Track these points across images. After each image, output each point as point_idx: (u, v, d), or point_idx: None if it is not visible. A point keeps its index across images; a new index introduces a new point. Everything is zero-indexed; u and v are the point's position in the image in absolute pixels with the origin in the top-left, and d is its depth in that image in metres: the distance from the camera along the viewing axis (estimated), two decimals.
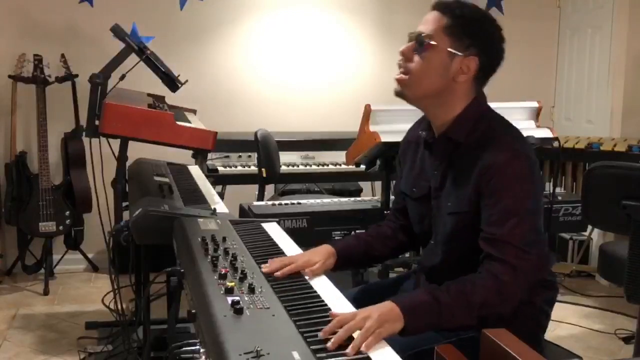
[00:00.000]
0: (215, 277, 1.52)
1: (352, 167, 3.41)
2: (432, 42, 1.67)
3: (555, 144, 3.08)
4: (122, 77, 2.82)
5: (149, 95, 3.24)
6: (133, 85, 3.04)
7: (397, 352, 1.25)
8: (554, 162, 3.70)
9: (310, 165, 4.32)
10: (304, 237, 2.53)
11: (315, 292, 1.53)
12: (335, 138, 4.28)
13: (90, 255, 4.47)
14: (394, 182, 2.40)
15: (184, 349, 1.41)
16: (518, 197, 1.59)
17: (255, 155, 4.02)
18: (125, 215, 2.52)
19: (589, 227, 3.94)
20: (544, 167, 3.83)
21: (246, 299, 1.40)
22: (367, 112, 2.86)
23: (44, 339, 3.38)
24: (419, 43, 1.69)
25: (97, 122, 2.65)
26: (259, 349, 1.13)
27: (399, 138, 2.69)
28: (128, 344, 2.76)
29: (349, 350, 1.24)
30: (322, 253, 1.79)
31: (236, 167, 4.20)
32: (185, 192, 2.65)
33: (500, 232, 1.58)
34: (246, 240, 1.89)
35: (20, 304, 3.86)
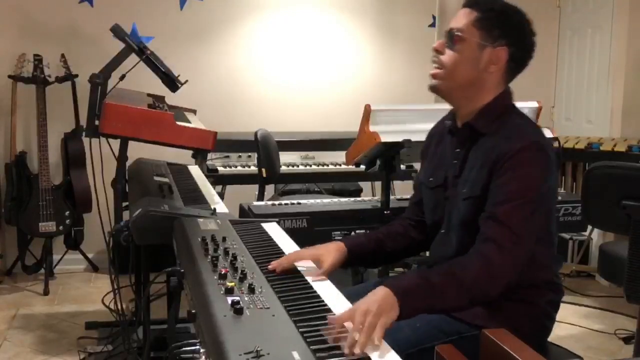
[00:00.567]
0: (215, 277, 1.52)
1: (352, 167, 3.40)
2: (462, 35, 1.72)
3: (555, 144, 3.08)
4: (122, 77, 2.82)
5: (149, 95, 3.24)
6: (133, 85, 3.04)
7: (397, 350, 1.25)
8: None
9: (310, 165, 4.32)
10: (304, 237, 2.52)
11: (315, 292, 1.53)
12: (335, 138, 4.28)
13: (90, 255, 4.47)
14: (414, 175, 2.41)
15: (184, 349, 1.41)
16: (525, 183, 1.62)
17: (255, 155, 4.02)
18: (125, 215, 2.52)
19: (589, 227, 3.94)
20: None
21: (246, 299, 1.40)
22: (367, 112, 2.86)
23: (44, 339, 3.38)
24: (450, 38, 1.75)
25: (97, 122, 2.65)
26: (259, 349, 1.13)
27: (399, 138, 2.68)
28: (128, 344, 2.76)
29: (357, 350, 1.23)
30: (332, 251, 1.81)
31: (236, 167, 4.20)
32: (185, 192, 2.65)
33: (500, 211, 1.62)
34: (246, 240, 1.88)
35: (20, 304, 3.86)
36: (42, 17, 4.35)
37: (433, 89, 1.80)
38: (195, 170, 3.17)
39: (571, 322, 3.65)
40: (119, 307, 2.74)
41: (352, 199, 3.34)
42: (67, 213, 4.16)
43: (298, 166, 4.30)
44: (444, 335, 1.66)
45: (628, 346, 3.39)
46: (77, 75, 4.19)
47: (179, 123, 2.58)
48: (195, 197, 2.58)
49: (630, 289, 2.39)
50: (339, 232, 2.88)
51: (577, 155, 3.86)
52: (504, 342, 1.13)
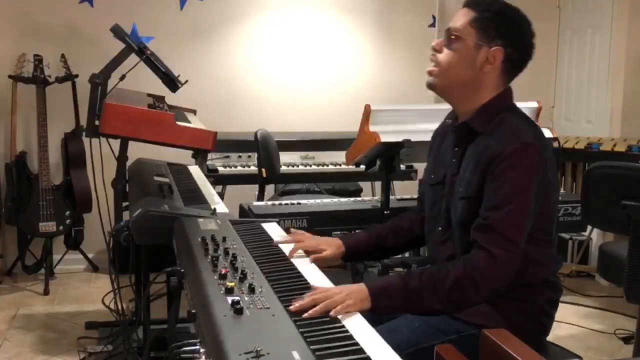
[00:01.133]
0: (215, 277, 1.52)
1: (352, 167, 3.40)
2: (459, 35, 1.73)
3: (555, 144, 3.08)
4: (122, 77, 2.82)
5: (149, 95, 3.24)
6: (133, 85, 3.04)
7: (397, 350, 1.25)
8: None
9: (310, 165, 4.32)
10: None
11: None
12: (335, 138, 4.28)
13: (90, 255, 4.47)
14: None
15: (184, 349, 1.41)
16: (517, 187, 1.63)
17: (255, 155, 4.02)
18: (125, 215, 2.52)
19: (589, 227, 3.94)
20: None
21: (246, 299, 1.40)
22: (367, 112, 2.86)
23: (44, 339, 3.38)
24: (447, 37, 1.77)
25: (97, 122, 2.66)
26: (259, 349, 1.13)
27: (399, 138, 2.69)
28: (128, 344, 2.76)
29: (311, 312, 1.37)
30: (330, 243, 1.91)
31: (236, 167, 4.20)
32: (185, 192, 2.65)
33: (492, 217, 1.63)
34: (246, 240, 1.89)
35: (20, 304, 3.86)
36: (42, 17, 4.35)
37: (429, 86, 1.82)
38: (196, 170, 3.17)
39: (571, 322, 3.65)
40: (119, 307, 2.74)
41: (352, 199, 3.35)
42: (67, 213, 4.16)
43: (298, 166, 4.30)
44: (442, 335, 1.66)
45: (628, 346, 3.39)
46: (77, 75, 4.18)
47: (179, 123, 2.58)
48: (195, 197, 2.58)
49: (630, 289, 2.39)
50: (339, 232, 2.88)
51: (577, 155, 3.86)
52: (504, 342, 1.13)
